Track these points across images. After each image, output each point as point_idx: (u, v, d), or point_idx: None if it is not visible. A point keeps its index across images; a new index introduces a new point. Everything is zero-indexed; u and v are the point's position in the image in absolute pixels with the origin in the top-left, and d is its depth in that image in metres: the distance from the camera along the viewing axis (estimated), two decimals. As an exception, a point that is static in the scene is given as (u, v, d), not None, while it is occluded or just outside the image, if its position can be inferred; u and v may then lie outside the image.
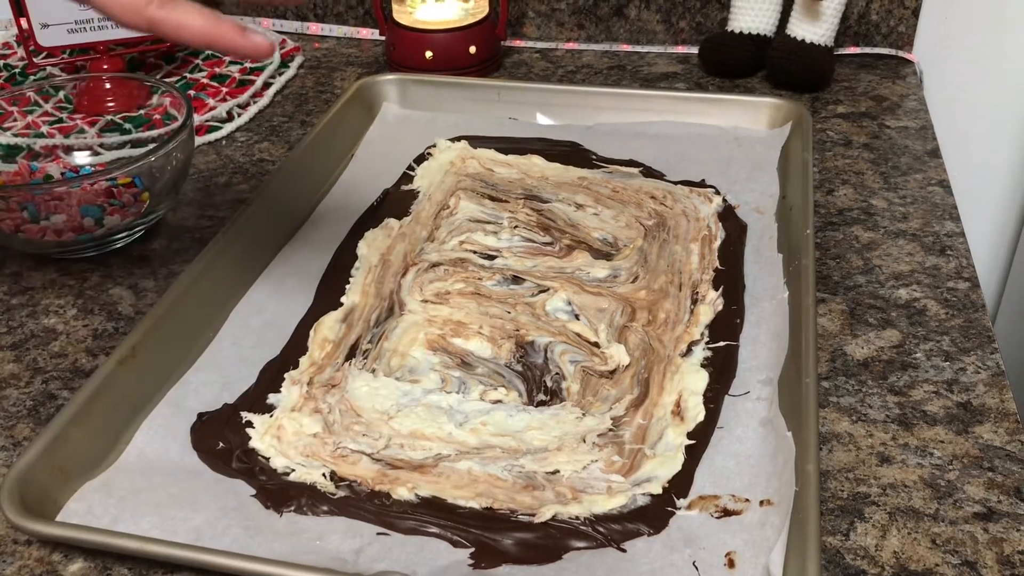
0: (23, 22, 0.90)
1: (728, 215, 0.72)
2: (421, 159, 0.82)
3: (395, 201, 0.76)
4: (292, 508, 0.50)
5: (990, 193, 1.04)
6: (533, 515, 0.49)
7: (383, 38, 1.00)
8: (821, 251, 0.69)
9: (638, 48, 1.02)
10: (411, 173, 0.80)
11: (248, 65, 0.97)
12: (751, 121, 0.83)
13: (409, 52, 0.94)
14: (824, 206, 0.74)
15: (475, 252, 0.69)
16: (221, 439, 0.54)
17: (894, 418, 0.55)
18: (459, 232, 0.72)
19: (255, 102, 0.91)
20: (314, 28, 1.07)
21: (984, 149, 1.01)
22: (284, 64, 0.99)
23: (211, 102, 0.90)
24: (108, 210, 0.68)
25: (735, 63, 0.94)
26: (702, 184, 0.76)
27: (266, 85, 0.94)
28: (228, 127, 0.87)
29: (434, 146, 0.83)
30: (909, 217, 0.73)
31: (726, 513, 0.49)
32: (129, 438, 0.54)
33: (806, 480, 0.47)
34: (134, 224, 0.70)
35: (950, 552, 0.47)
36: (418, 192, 0.77)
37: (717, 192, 0.75)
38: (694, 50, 0.99)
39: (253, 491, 0.51)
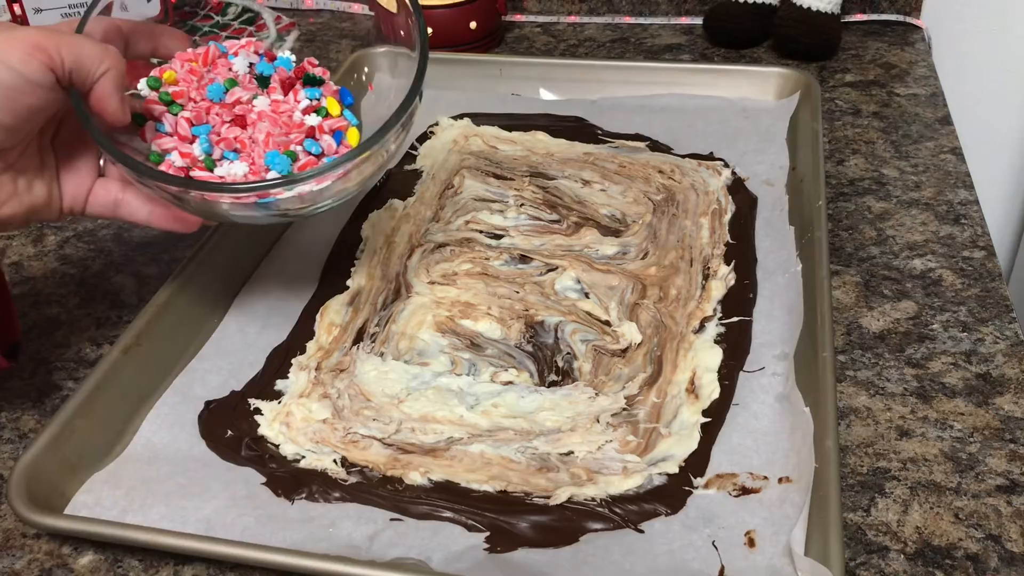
0: (16, 8, 0.88)
1: (738, 188, 0.71)
2: (423, 138, 0.80)
3: (398, 181, 0.75)
4: (303, 495, 0.49)
5: (1001, 159, 1.03)
6: (548, 497, 0.48)
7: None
8: (833, 222, 0.68)
9: (641, 20, 1.00)
10: (414, 152, 0.79)
11: (246, 40, 0.95)
12: (758, 92, 0.82)
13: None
14: (835, 176, 0.73)
15: (481, 232, 0.68)
16: (229, 427, 0.53)
17: (912, 391, 0.54)
18: (464, 212, 0.70)
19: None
20: (309, 1, 1.05)
21: (994, 115, 1.00)
22: (281, 38, 0.97)
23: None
24: (300, 157, 0.52)
25: (740, 33, 0.92)
26: (710, 157, 0.75)
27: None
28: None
29: (436, 124, 0.82)
30: (922, 186, 0.71)
31: (744, 491, 0.48)
32: (136, 428, 0.53)
33: (826, 456, 0.47)
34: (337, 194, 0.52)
35: (973, 526, 0.46)
36: (421, 172, 0.76)
37: (726, 165, 0.74)
38: (698, 20, 0.98)
39: (263, 479, 0.50)
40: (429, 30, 0.91)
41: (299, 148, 0.52)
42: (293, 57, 0.55)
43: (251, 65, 0.54)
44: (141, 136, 0.52)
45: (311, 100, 0.54)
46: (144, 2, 0.89)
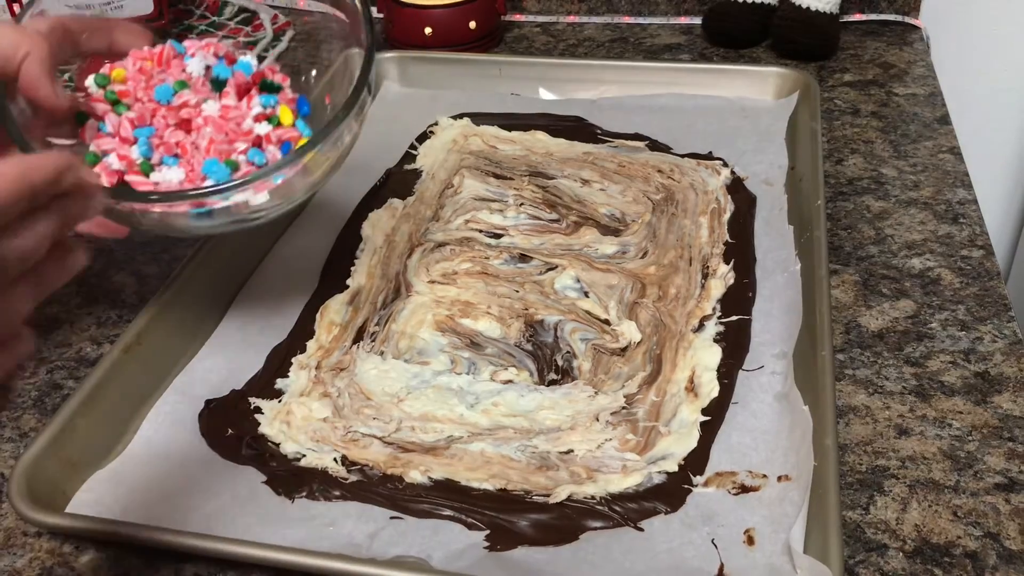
0: (16, 8, 0.88)
1: (737, 187, 0.71)
2: (423, 137, 0.81)
3: (398, 181, 0.75)
4: (304, 494, 0.49)
5: (1000, 158, 1.03)
6: (548, 496, 0.48)
7: (380, 15, 0.98)
8: (832, 222, 0.68)
9: (640, 20, 1.00)
10: (413, 152, 0.79)
11: (241, 40, 0.95)
12: (757, 91, 0.82)
13: (408, 29, 0.93)
14: (834, 176, 0.73)
15: (481, 231, 0.68)
16: (230, 426, 0.53)
17: (911, 389, 0.54)
18: (464, 211, 0.71)
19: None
20: (302, 2, 1.05)
21: (993, 114, 1.00)
22: (276, 38, 0.97)
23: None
24: (241, 166, 0.50)
25: (739, 33, 0.92)
26: (709, 156, 0.75)
27: (259, 59, 0.93)
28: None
29: (436, 124, 0.82)
30: (920, 185, 0.71)
31: (744, 489, 0.48)
32: (136, 427, 0.53)
33: (824, 454, 0.47)
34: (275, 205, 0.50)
35: (972, 524, 0.46)
36: (421, 171, 0.76)
37: (725, 164, 0.74)
38: (697, 20, 0.98)
39: (264, 478, 0.50)
40: (428, 30, 0.92)
41: (242, 158, 0.49)
42: (254, 62, 0.52)
43: (208, 67, 0.51)
44: (81, 136, 0.49)
45: (264, 108, 0.50)
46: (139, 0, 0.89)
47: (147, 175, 0.48)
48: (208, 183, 0.47)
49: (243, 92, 0.51)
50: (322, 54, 0.61)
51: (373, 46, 0.52)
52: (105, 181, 0.47)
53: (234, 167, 0.48)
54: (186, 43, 0.52)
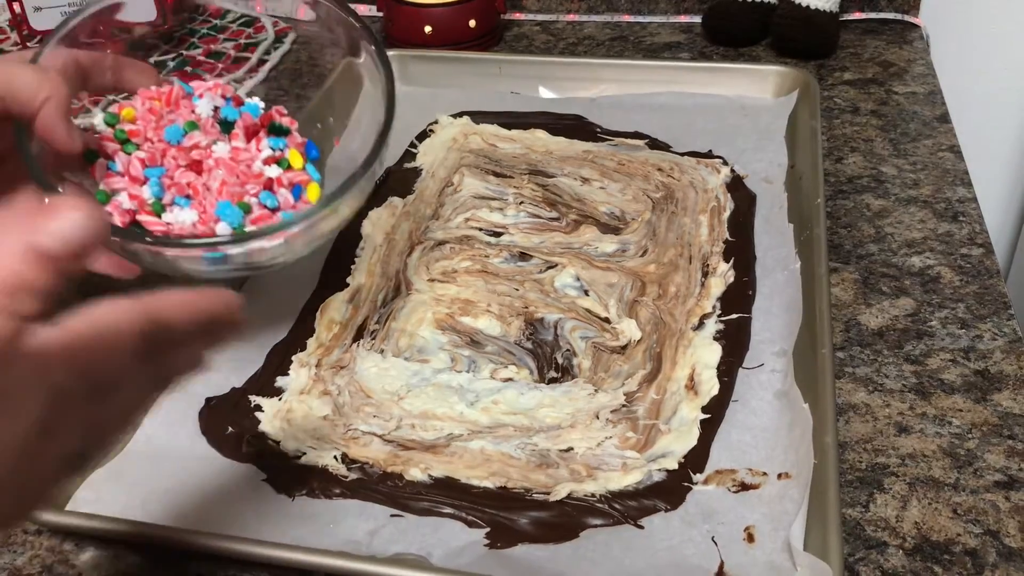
0: (16, 6, 0.89)
1: (737, 186, 0.71)
2: (423, 136, 0.80)
3: (398, 179, 0.75)
4: (304, 492, 0.49)
5: (1000, 157, 1.03)
6: (548, 494, 0.48)
7: (380, 14, 0.98)
8: (832, 220, 0.68)
9: (640, 18, 1.00)
10: (413, 150, 0.79)
11: (243, 42, 0.96)
12: (757, 90, 0.82)
13: (408, 27, 0.93)
14: (833, 174, 0.73)
15: (481, 229, 0.68)
16: (230, 423, 0.53)
17: (911, 387, 0.54)
18: (464, 209, 0.71)
19: (251, 78, 0.90)
20: (302, 12, 1.05)
21: (993, 113, 1.00)
22: (279, 40, 0.97)
23: (208, 78, 0.89)
24: (254, 210, 0.49)
25: (739, 31, 0.92)
26: (709, 155, 0.75)
27: (261, 62, 0.93)
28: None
29: (436, 122, 0.82)
30: (920, 184, 0.71)
31: (744, 487, 0.48)
32: (137, 425, 0.53)
33: (824, 452, 0.47)
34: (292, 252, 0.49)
35: (972, 521, 0.46)
36: (421, 169, 0.76)
37: (725, 163, 0.74)
38: (697, 19, 0.98)
39: (264, 476, 0.50)
40: (428, 28, 0.92)
41: (254, 200, 0.49)
42: (262, 104, 0.52)
43: (216, 109, 0.51)
44: (91, 174, 0.49)
45: (274, 150, 0.50)
46: (142, 6, 0.89)
47: (159, 215, 0.48)
48: (222, 225, 0.47)
49: (251, 134, 0.51)
50: (325, 58, 0.61)
51: (394, 93, 0.51)
52: (117, 220, 0.47)
53: (247, 209, 0.48)
54: (194, 84, 0.52)
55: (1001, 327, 0.58)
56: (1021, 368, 0.55)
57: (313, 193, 0.51)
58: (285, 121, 0.53)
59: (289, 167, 0.51)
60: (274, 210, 0.49)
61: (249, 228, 0.48)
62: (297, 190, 0.50)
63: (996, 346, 0.56)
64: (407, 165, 0.77)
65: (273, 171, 0.50)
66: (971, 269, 0.63)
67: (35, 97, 0.44)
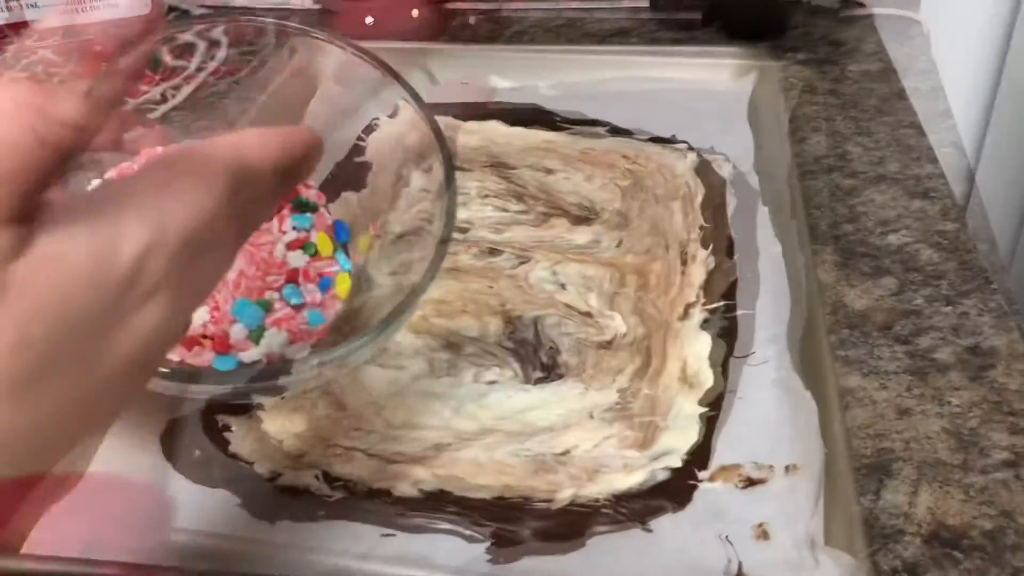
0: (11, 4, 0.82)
1: (704, 170, 0.69)
2: (369, 129, 0.77)
3: (349, 173, 0.72)
4: (286, 516, 0.45)
5: (999, 151, 1.02)
6: (550, 500, 0.46)
7: (317, 7, 0.94)
8: (804, 201, 0.66)
9: (586, 4, 0.98)
10: (362, 143, 0.75)
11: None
12: (713, 73, 0.81)
13: (348, 19, 0.89)
14: (799, 155, 0.72)
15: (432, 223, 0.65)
16: (197, 446, 0.49)
17: (906, 368, 0.53)
18: (417, 202, 0.67)
19: (187, 83, 0.85)
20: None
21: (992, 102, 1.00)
22: (280, 44, 0.93)
23: (143, 87, 0.84)
24: (276, 308, 0.42)
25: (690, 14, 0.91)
26: (673, 140, 0.73)
27: (199, 69, 0.88)
28: (162, 108, 0.81)
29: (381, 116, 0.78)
30: (886, 161, 0.71)
31: (751, 482, 0.46)
32: (93, 452, 0.49)
33: (834, 441, 0.45)
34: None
35: (985, 503, 0.45)
36: (371, 164, 0.73)
37: (691, 147, 0.72)
38: (644, 3, 0.96)
39: (239, 501, 0.46)
40: (370, 19, 0.88)
41: (275, 295, 0.42)
42: None
43: None
44: None
45: (299, 231, 0.43)
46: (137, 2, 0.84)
47: None
48: (238, 328, 0.40)
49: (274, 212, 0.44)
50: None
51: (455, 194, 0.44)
52: None
53: (267, 307, 0.41)
54: None
55: (986, 302, 0.57)
56: (1011, 342, 0.54)
57: (343, 286, 0.44)
58: (312, 195, 0.45)
59: (316, 253, 0.43)
60: (298, 308, 0.42)
61: (288, 349, 0.40)
62: (325, 283, 0.43)
63: (984, 322, 0.56)
64: (357, 159, 0.73)
65: (299, 260, 0.43)
66: (948, 245, 0.62)
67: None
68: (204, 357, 0.40)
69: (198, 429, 0.50)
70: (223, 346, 0.40)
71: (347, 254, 0.45)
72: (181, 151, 0.27)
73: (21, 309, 0.22)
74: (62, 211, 0.24)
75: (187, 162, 0.27)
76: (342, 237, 0.46)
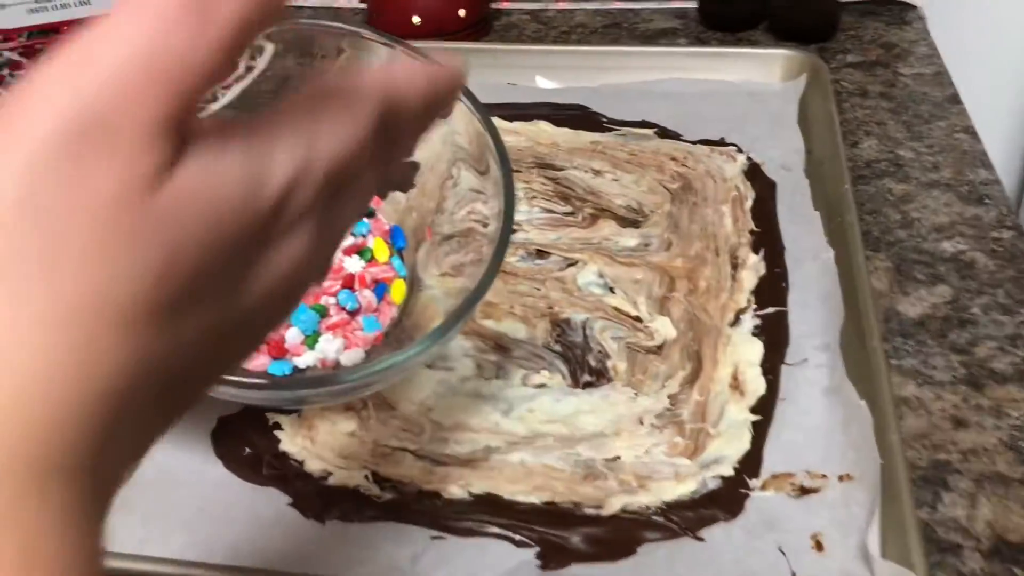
0: None
1: (755, 174, 0.69)
2: (419, 130, 0.77)
3: (396, 173, 0.72)
4: (336, 515, 0.46)
5: (1013, 138, 1.01)
6: (599, 507, 0.45)
7: (363, 6, 0.94)
8: (856, 206, 0.65)
9: (633, 4, 0.97)
10: (411, 145, 0.75)
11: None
12: (763, 75, 0.80)
13: (394, 18, 0.89)
14: (851, 159, 0.71)
15: (486, 225, 0.65)
16: (247, 444, 0.50)
17: (961, 378, 0.52)
18: (466, 202, 0.67)
19: (238, 83, 0.86)
20: (287, -1, 1.01)
21: (1000, 92, 0.99)
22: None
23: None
24: (331, 313, 0.43)
25: (736, 15, 0.90)
26: (722, 143, 0.73)
27: (248, 68, 0.89)
28: (212, 107, 0.81)
29: (433, 116, 0.78)
30: (940, 167, 0.69)
31: (804, 492, 0.46)
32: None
33: (892, 451, 0.44)
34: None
35: (1046, 519, 0.44)
36: (419, 163, 0.73)
37: (740, 150, 0.71)
38: (692, 4, 0.95)
39: (290, 500, 0.47)
40: (416, 19, 0.88)
41: (331, 300, 0.42)
42: None
43: None
44: None
45: (355, 236, 0.43)
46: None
47: None
48: (293, 331, 0.40)
49: None
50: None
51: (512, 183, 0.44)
52: None
53: (322, 312, 0.42)
54: None
55: (1045, 312, 0.56)
56: (1071, 354, 0.53)
57: (398, 293, 0.44)
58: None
59: (372, 259, 0.44)
60: (353, 313, 0.43)
61: (341, 357, 0.40)
62: (380, 288, 0.43)
63: (1043, 332, 0.55)
64: (405, 159, 0.73)
65: (355, 265, 0.43)
66: (1004, 253, 0.61)
67: None
68: (259, 361, 0.40)
69: (248, 427, 0.50)
70: (278, 351, 0.40)
71: (403, 260, 0.44)
72: (330, 82, 0.26)
73: (170, 235, 0.21)
74: (213, 132, 0.22)
75: (337, 93, 0.26)
76: (399, 243, 0.45)
